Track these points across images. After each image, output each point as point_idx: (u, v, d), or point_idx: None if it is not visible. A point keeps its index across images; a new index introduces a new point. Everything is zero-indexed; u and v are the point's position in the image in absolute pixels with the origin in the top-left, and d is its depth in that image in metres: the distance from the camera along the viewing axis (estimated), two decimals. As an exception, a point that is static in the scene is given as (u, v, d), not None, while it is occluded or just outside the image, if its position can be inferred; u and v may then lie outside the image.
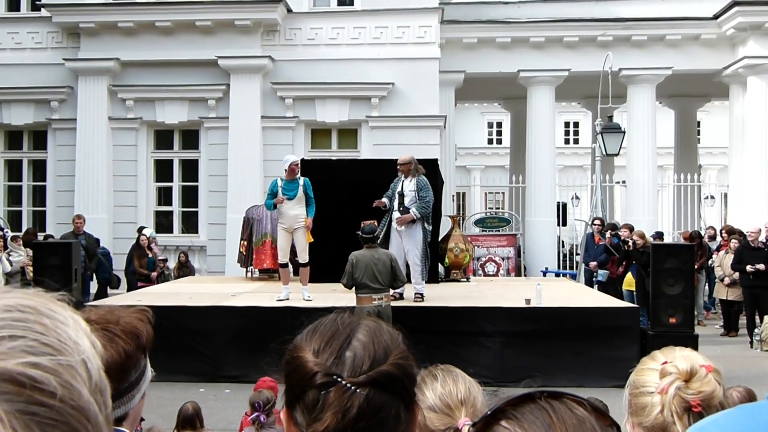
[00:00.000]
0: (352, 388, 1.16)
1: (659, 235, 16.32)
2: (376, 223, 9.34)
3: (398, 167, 10.95)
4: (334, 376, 1.17)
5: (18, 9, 19.03)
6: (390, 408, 1.19)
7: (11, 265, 14.18)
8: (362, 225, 9.20)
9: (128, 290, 14.43)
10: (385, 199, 10.82)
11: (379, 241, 9.60)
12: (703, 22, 18.95)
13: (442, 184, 14.29)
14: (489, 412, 1.05)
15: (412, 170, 10.79)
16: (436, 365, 2.01)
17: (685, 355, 1.86)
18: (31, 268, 12.93)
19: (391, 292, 9.54)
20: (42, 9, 18.07)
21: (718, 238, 16.56)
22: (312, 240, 10.82)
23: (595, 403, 1.06)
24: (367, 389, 1.17)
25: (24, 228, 18.32)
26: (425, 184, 10.72)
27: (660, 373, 1.83)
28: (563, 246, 21.44)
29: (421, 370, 2.00)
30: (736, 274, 14.13)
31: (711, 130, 36.24)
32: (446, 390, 1.90)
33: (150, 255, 15.62)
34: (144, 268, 15.46)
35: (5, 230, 15.80)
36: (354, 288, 9.01)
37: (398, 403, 1.20)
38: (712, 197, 27.93)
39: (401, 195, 10.73)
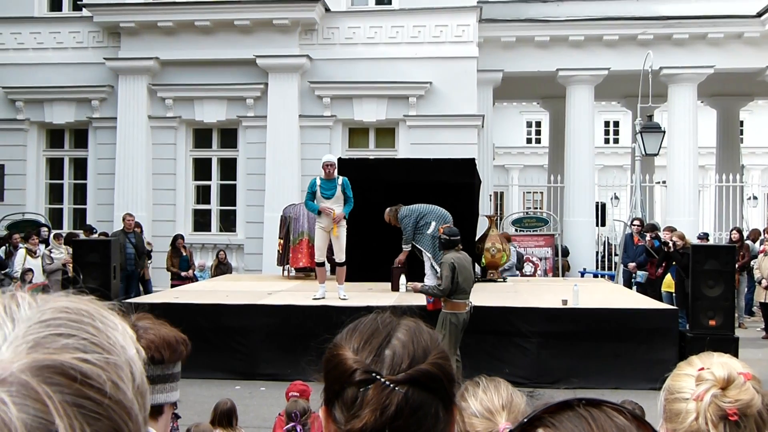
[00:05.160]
0: (391, 385, 1.16)
1: (705, 236, 16.06)
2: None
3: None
4: (373, 374, 1.17)
5: (60, 9, 19.33)
6: (429, 407, 1.18)
7: (53, 261, 14.44)
8: (441, 229, 9.09)
9: None
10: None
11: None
12: (746, 20, 18.65)
13: (479, 184, 14.23)
14: (526, 420, 1.03)
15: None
16: (481, 375, 2.02)
17: (723, 362, 1.80)
18: (71, 266, 13.11)
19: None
20: (83, 9, 18.31)
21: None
22: (336, 235, 10.70)
23: (635, 411, 1.03)
24: (405, 387, 1.16)
25: (65, 226, 18.66)
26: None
27: (696, 379, 1.78)
28: (605, 243, 21.21)
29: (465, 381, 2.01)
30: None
31: (754, 130, 35.72)
32: (488, 396, 1.91)
33: (184, 254, 15.95)
34: (176, 267, 15.88)
35: (46, 227, 16.09)
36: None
37: (437, 403, 1.20)
38: (755, 198, 27.52)
39: None
